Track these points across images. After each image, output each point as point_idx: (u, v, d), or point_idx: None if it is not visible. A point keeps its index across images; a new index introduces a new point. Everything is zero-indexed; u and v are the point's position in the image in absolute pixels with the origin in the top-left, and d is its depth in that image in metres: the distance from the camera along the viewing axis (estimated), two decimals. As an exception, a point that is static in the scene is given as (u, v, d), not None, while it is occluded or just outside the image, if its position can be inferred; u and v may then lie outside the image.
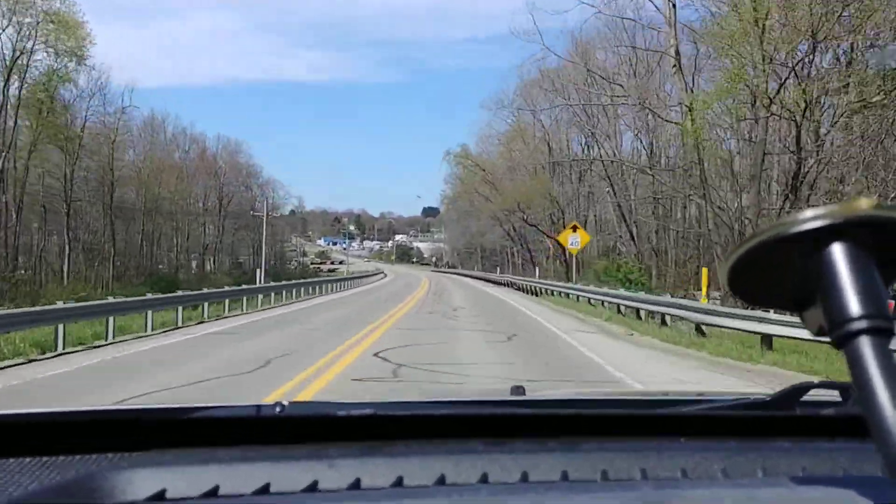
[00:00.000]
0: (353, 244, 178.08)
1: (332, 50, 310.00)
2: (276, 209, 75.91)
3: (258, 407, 1.03)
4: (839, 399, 1.13)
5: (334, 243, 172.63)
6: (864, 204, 0.51)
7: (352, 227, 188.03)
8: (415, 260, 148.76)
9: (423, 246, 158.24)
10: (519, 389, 1.52)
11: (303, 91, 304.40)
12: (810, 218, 0.51)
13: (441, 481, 0.84)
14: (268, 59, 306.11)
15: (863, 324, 0.49)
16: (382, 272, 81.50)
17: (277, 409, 1.01)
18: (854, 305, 0.50)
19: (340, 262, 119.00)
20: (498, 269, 65.87)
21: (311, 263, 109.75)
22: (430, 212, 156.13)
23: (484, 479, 0.85)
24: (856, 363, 0.49)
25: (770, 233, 0.52)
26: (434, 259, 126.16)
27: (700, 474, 0.87)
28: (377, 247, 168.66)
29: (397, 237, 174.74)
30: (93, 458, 0.92)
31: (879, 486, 0.68)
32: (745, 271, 0.54)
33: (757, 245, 0.53)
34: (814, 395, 1.15)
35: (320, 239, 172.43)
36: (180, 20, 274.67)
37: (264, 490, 0.81)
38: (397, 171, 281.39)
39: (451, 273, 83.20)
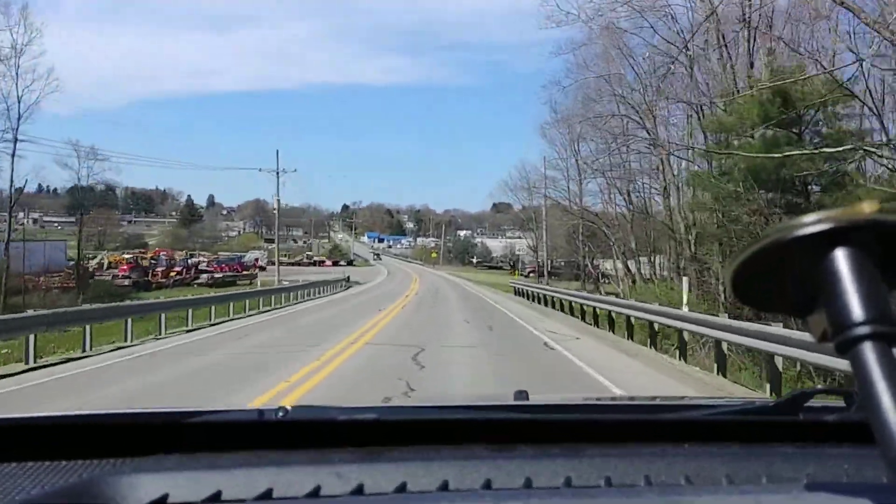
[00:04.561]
0: (403, 240, 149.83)
1: (410, 55, 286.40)
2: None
3: (261, 411, 1.03)
4: (843, 405, 1.11)
5: (380, 239, 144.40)
6: (867, 208, 0.50)
7: (410, 224, 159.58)
8: (477, 261, 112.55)
9: (493, 243, 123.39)
10: (522, 394, 1.47)
11: (378, 94, 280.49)
12: (812, 222, 0.50)
13: (444, 487, 0.84)
14: (347, 63, 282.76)
15: (866, 329, 0.48)
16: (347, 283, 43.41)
17: (280, 414, 1.01)
18: (857, 311, 0.49)
19: (350, 263, 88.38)
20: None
21: (303, 261, 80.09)
22: (500, 207, 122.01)
23: (487, 485, 0.85)
24: (859, 369, 0.48)
25: (772, 238, 0.51)
26: (519, 259, 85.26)
27: (704, 480, 0.87)
28: (432, 244, 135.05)
29: (460, 233, 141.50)
30: (95, 463, 0.92)
31: (884, 492, 0.68)
32: (748, 277, 0.53)
33: (759, 250, 0.52)
34: (818, 400, 1.15)
35: (364, 235, 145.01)
36: (259, 27, 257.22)
37: (267, 495, 0.81)
38: (468, 171, 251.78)
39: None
